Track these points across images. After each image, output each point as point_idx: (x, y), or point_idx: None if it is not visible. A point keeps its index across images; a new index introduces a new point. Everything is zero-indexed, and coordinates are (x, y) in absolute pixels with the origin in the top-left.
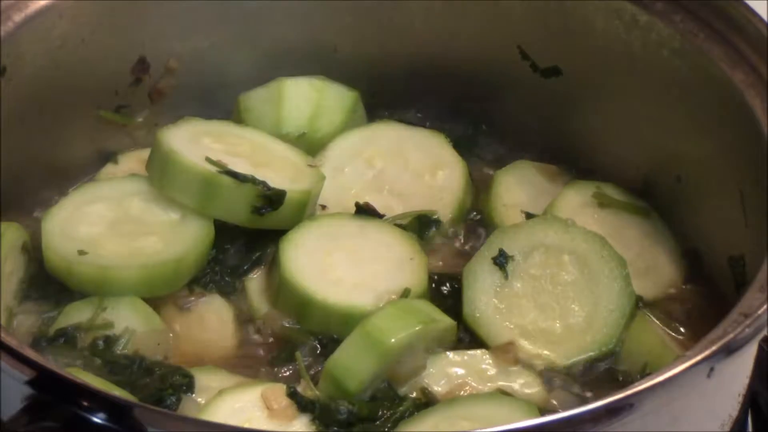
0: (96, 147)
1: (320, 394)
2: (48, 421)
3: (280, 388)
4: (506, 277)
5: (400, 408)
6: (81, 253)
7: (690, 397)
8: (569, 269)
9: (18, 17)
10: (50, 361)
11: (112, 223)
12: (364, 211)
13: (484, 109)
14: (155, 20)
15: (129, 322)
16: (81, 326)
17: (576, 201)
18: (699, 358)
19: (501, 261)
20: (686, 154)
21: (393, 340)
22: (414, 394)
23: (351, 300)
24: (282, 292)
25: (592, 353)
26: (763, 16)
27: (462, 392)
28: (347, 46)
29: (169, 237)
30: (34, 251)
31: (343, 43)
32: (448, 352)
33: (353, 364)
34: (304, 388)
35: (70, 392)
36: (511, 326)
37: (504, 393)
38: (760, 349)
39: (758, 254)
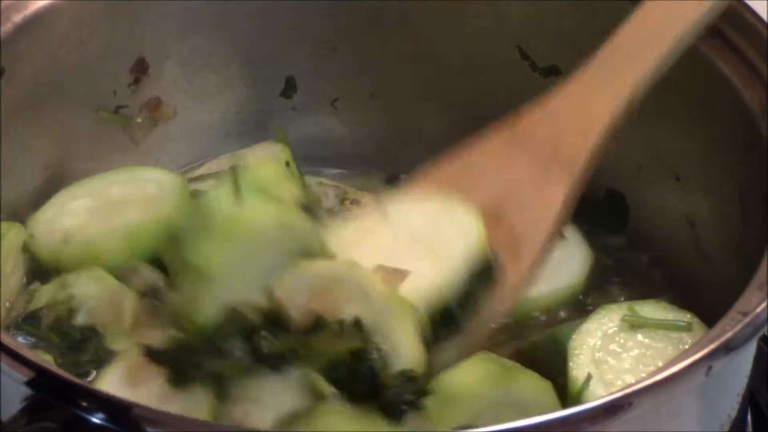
0: (95, 147)
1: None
2: (47, 421)
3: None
4: None
5: None
6: (66, 238)
7: (688, 396)
8: None
9: (17, 18)
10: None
11: (94, 211)
12: None
13: (481, 109)
14: (155, 20)
15: (87, 289)
16: (46, 305)
17: (601, 331)
18: (697, 356)
19: None
20: (686, 154)
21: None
22: None
23: None
24: None
25: None
26: (763, 16)
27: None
28: (346, 46)
29: (149, 206)
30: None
31: (342, 42)
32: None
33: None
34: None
35: (70, 392)
36: None
37: None
38: (760, 348)
39: (758, 254)
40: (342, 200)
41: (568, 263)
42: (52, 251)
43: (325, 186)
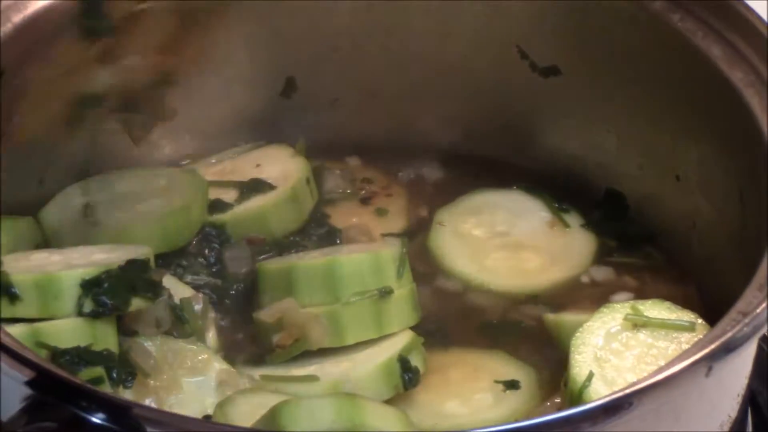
0: (96, 148)
1: None
2: (47, 421)
3: None
4: None
5: None
6: (94, 224)
7: (689, 397)
8: None
9: (17, 18)
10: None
11: (107, 203)
12: None
13: (481, 108)
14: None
15: None
16: None
17: (604, 329)
18: (697, 357)
19: None
20: (685, 154)
21: None
22: None
23: None
24: None
25: None
26: (763, 16)
27: None
28: (347, 46)
29: (169, 194)
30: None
31: (342, 42)
32: None
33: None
34: None
35: (70, 392)
36: None
37: None
38: (760, 348)
39: (758, 254)
40: (352, 180)
41: (572, 249)
42: (78, 233)
43: (331, 168)
